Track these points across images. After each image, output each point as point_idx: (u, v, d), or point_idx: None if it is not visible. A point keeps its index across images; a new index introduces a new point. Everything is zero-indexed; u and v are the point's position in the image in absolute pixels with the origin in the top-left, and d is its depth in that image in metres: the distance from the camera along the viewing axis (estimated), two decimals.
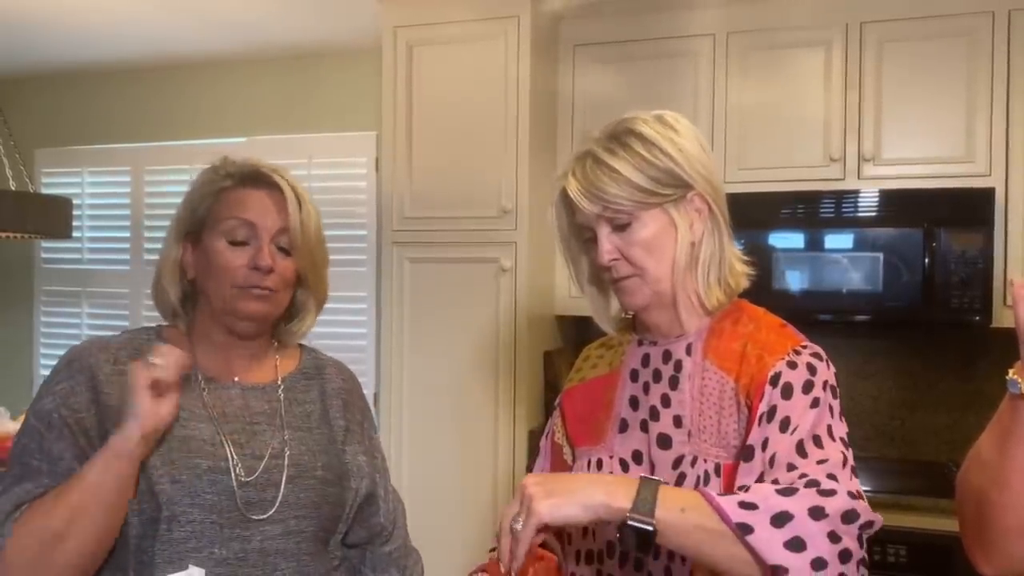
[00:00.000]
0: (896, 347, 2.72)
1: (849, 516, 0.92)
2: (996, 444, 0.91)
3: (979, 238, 2.35)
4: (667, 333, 1.15)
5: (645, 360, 1.17)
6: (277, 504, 1.21)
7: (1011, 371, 0.87)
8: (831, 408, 1.04)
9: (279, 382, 1.30)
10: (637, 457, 1.11)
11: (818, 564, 0.89)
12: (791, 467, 0.96)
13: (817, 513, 0.90)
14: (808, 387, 1.03)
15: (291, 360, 1.34)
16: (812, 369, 1.05)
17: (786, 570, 0.89)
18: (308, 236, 1.25)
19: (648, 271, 1.09)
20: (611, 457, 1.13)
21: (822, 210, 2.50)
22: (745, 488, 0.95)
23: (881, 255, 2.44)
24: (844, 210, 2.49)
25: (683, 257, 1.09)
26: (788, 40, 2.58)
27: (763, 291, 2.49)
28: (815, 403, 1.01)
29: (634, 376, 1.17)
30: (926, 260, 2.39)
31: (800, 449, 0.98)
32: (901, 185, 2.45)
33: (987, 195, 2.36)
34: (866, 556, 0.96)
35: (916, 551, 2.19)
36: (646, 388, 1.15)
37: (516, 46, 2.58)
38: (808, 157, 2.56)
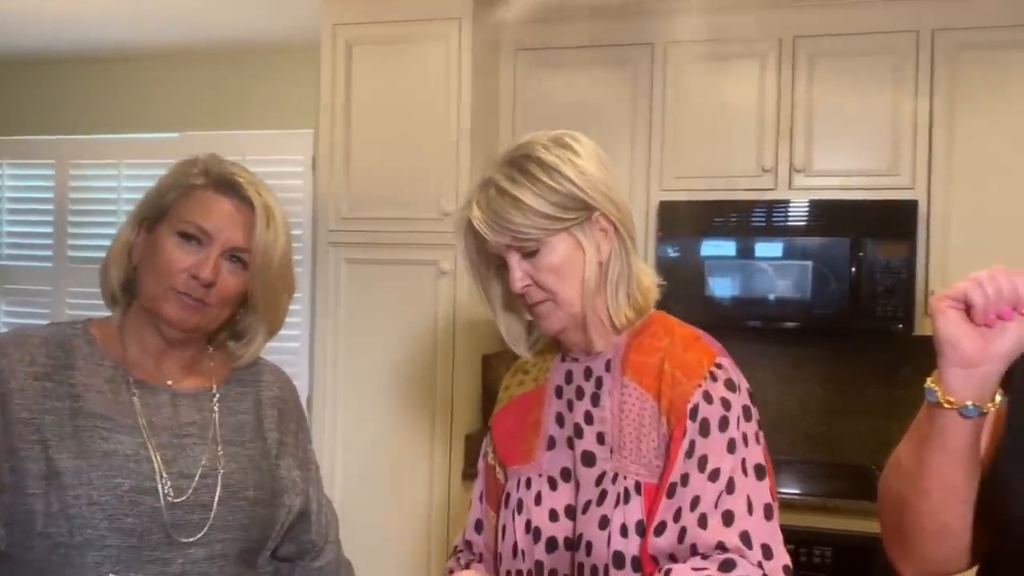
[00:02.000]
0: (823, 354, 2.79)
1: None
2: (914, 451, 0.93)
3: (903, 249, 2.44)
4: (586, 351, 1.16)
5: (568, 377, 1.17)
6: (207, 527, 1.14)
7: (929, 380, 0.90)
8: (746, 439, 1.05)
9: (213, 390, 1.24)
10: (565, 475, 1.12)
11: None
12: (704, 520, 0.99)
13: None
14: (724, 424, 1.04)
15: (226, 364, 1.27)
16: (727, 404, 1.05)
17: None
18: (269, 259, 1.18)
19: (559, 295, 1.09)
20: (540, 475, 1.13)
21: (754, 219, 2.56)
22: (665, 573, 0.97)
23: (810, 264, 2.51)
24: (775, 219, 2.55)
25: (592, 279, 1.10)
26: (725, 52, 2.63)
27: (696, 298, 2.57)
28: (731, 446, 1.03)
29: (558, 392, 1.17)
30: (853, 269, 2.46)
31: (720, 504, 1.00)
32: (830, 196, 2.53)
33: (911, 207, 2.45)
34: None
35: (841, 552, 2.25)
36: (570, 405, 1.15)
37: (458, 48, 2.57)
38: (742, 167, 2.61)
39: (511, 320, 1.20)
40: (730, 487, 1.01)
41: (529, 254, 1.09)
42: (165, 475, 1.13)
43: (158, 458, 1.14)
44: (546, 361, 1.22)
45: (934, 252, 2.46)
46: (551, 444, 1.14)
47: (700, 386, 1.05)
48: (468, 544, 1.26)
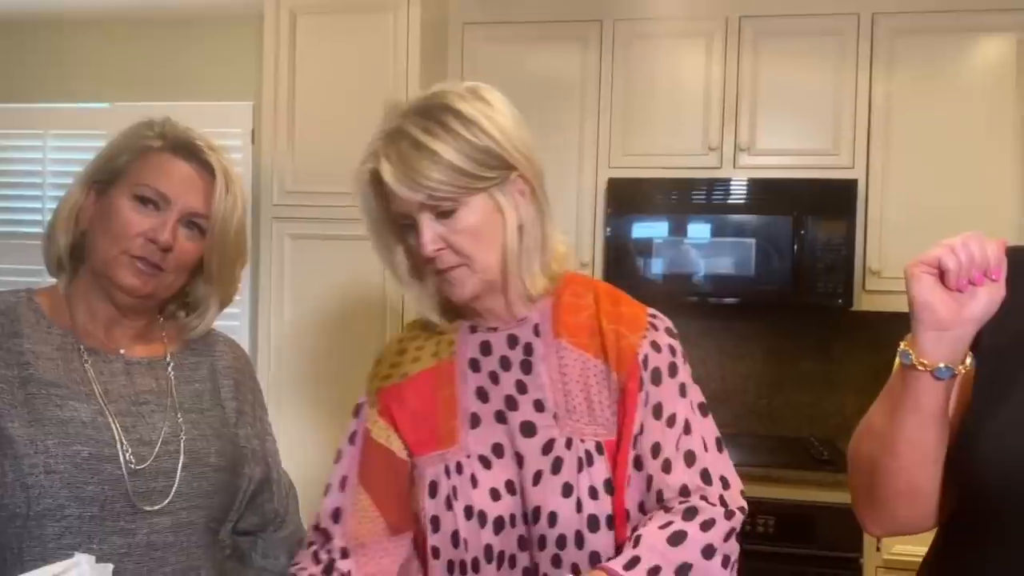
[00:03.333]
0: (765, 329, 2.86)
1: (728, 534, 0.98)
2: (887, 414, 0.96)
3: (842, 227, 2.51)
4: (504, 318, 1.10)
5: (486, 348, 1.10)
6: (172, 495, 1.12)
7: (903, 343, 0.93)
8: (693, 391, 1.08)
9: (167, 357, 1.21)
10: (498, 451, 1.07)
11: None
12: (668, 465, 1.00)
13: (709, 552, 0.95)
14: (673, 370, 1.05)
15: (178, 335, 1.25)
16: (673, 350, 1.07)
17: None
18: (227, 227, 1.15)
19: (476, 260, 1.03)
20: (468, 457, 1.07)
21: (700, 197, 2.60)
22: (636, 540, 0.96)
23: (753, 241, 2.56)
24: (720, 197, 2.59)
25: (512, 243, 1.04)
26: (671, 30, 2.65)
27: (642, 274, 2.60)
28: (682, 390, 1.05)
29: (475, 366, 1.10)
30: (795, 247, 2.52)
31: (681, 446, 1.01)
32: (773, 175, 2.58)
33: (851, 186, 2.52)
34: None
35: (783, 521, 2.32)
36: (494, 378, 1.09)
37: (406, 21, 2.52)
38: (689, 146, 2.65)
39: (421, 287, 1.12)
40: (687, 429, 1.02)
41: (443, 215, 1.01)
42: (125, 442, 1.10)
43: (117, 425, 1.11)
44: (445, 334, 1.14)
45: (871, 230, 2.54)
46: (475, 422, 1.08)
47: (645, 336, 1.05)
48: (325, 534, 1.14)
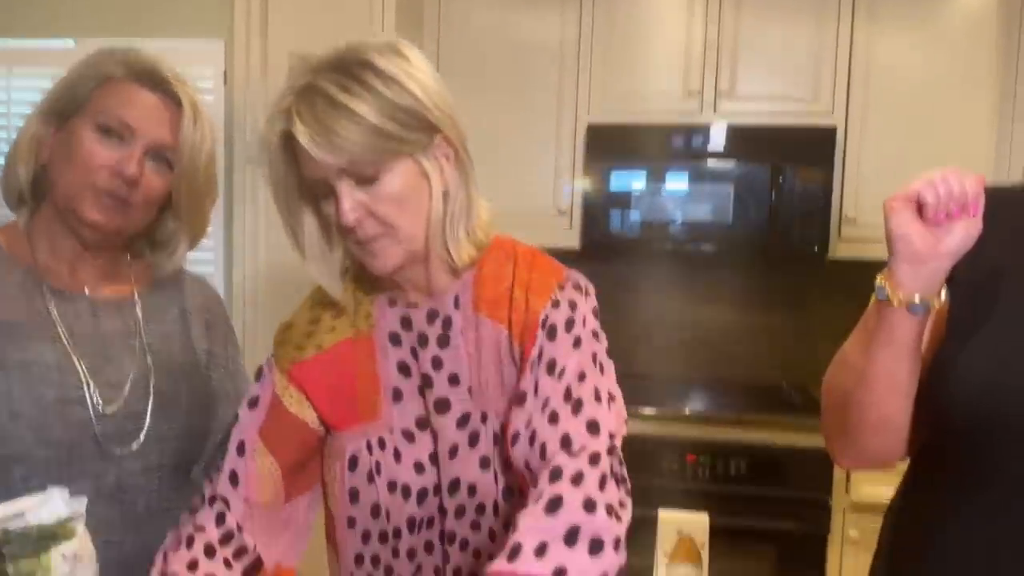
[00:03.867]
0: (740, 277, 2.87)
1: (602, 482, 0.92)
2: (861, 347, 0.97)
3: (820, 175, 2.51)
4: (424, 291, 1.04)
5: (406, 323, 1.05)
6: (142, 438, 1.11)
7: (879, 277, 0.93)
8: (596, 336, 1.02)
9: (135, 298, 1.18)
10: (422, 424, 1.03)
11: (616, 544, 0.90)
12: (555, 416, 0.96)
13: (590, 506, 0.90)
14: (570, 325, 1.00)
15: (147, 274, 1.21)
16: (573, 305, 1.01)
17: (606, 573, 0.88)
18: (195, 160, 1.11)
19: (400, 229, 0.96)
20: (392, 432, 1.03)
21: (679, 144, 2.58)
22: (515, 526, 0.90)
23: (731, 189, 2.56)
24: (699, 144, 2.58)
25: (438, 211, 0.98)
26: None
27: (620, 222, 2.59)
28: (577, 342, 0.99)
29: (395, 340, 1.05)
30: (772, 194, 2.53)
31: (568, 396, 0.97)
32: (752, 121, 2.57)
33: (829, 134, 2.52)
34: (627, 477, 0.98)
35: (754, 464, 2.36)
36: (415, 353, 1.04)
37: None
38: (668, 91, 2.62)
39: (326, 260, 1.04)
40: (580, 378, 0.97)
41: (364, 181, 0.93)
42: (92, 384, 1.08)
43: (83, 367, 1.08)
44: (361, 304, 1.07)
45: (849, 178, 2.55)
46: (397, 396, 1.04)
47: (550, 299, 1.00)
48: (224, 501, 1.06)
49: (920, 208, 0.90)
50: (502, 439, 1.01)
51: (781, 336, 2.84)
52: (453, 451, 1.02)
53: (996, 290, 0.93)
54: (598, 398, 0.98)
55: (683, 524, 2.40)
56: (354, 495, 1.05)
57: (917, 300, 0.91)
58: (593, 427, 0.96)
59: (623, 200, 2.61)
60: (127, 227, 1.11)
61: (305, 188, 0.99)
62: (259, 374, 1.10)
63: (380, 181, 0.94)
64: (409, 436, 1.04)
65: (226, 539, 1.04)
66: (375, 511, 1.04)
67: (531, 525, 0.89)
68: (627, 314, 2.89)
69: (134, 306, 1.17)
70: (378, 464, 1.03)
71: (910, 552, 1.00)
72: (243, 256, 2.58)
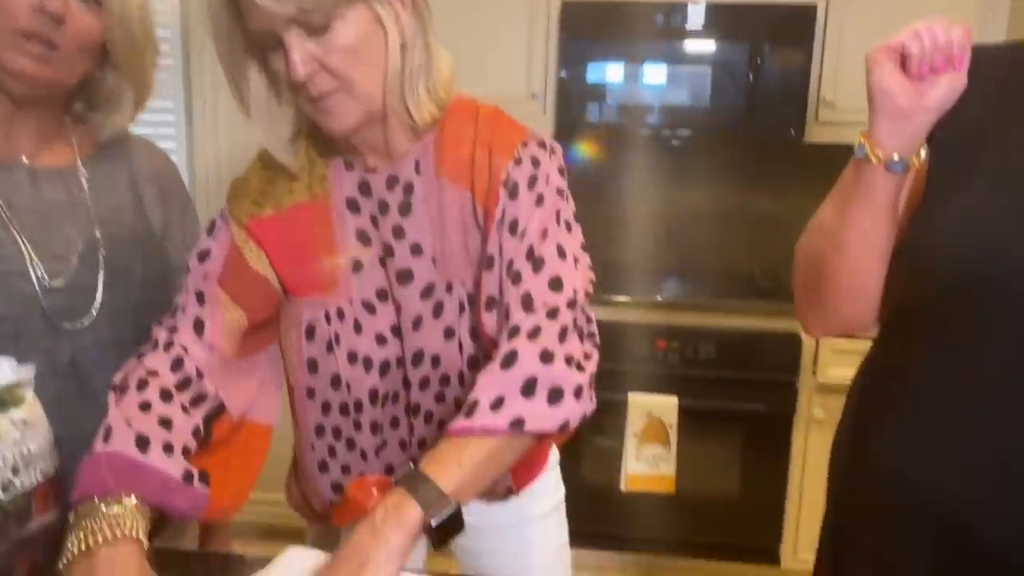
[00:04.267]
0: (716, 164, 2.83)
1: (562, 333, 0.91)
2: (837, 209, 0.95)
3: (799, 56, 2.44)
4: (383, 154, 0.99)
5: (364, 189, 1.00)
6: (94, 312, 1.07)
7: (859, 136, 0.90)
8: (561, 193, 0.99)
9: (78, 166, 1.11)
10: (383, 295, 1.00)
11: (577, 392, 0.89)
12: (518, 276, 0.94)
13: (547, 357, 0.88)
14: (532, 182, 0.96)
15: (90, 139, 1.14)
16: (536, 162, 0.97)
17: (567, 421, 0.88)
18: (126, 1, 1.02)
19: (356, 84, 0.90)
20: (351, 303, 1.00)
21: (657, 22, 2.49)
22: (473, 385, 0.89)
23: (709, 70, 2.49)
24: (678, 22, 2.49)
25: (395, 64, 0.91)
26: None
27: (596, 105, 2.52)
28: (540, 200, 0.96)
29: (354, 206, 1.00)
30: (750, 76, 2.46)
31: (531, 255, 0.94)
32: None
33: (809, 12, 2.43)
34: (594, 332, 0.97)
35: (723, 348, 2.39)
36: (375, 222, 1.00)
37: None
38: None
39: (274, 119, 0.98)
40: (543, 235, 0.95)
41: (315, 31, 0.87)
42: (35, 258, 1.03)
43: (24, 240, 1.03)
44: (316, 166, 1.02)
45: (828, 59, 2.48)
46: (357, 266, 1.00)
47: (512, 157, 0.96)
48: (183, 348, 1.00)
49: (904, 61, 0.87)
50: (470, 308, 0.99)
51: (756, 223, 2.83)
52: (417, 322, 1.00)
53: (976, 149, 0.90)
54: (562, 255, 0.95)
55: (653, 407, 2.46)
56: (312, 365, 1.03)
57: (896, 158, 0.89)
58: (555, 284, 0.94)
59: (599, 84, 2.53)
60: (59, 78, 1.03)
61: (251, 43, 0.92)
62: (212, 227, 1.05)
63: (332, 30, 0.87)
64: (370, 308, 1.01)
65: (183, 385, 0.98)
66: (335, 382, 1.02)
67: (487, 381, 0.88)
68: (601, 202, 2.85)
69: (78, 174, 1.11)
70: (337, 335, 1.01)
71: (877, 412, 1.01)
72: (204, 141, 2.49)
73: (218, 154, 2.49)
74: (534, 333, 0.90)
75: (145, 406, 0.94)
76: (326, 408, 1.04)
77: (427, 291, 0.99)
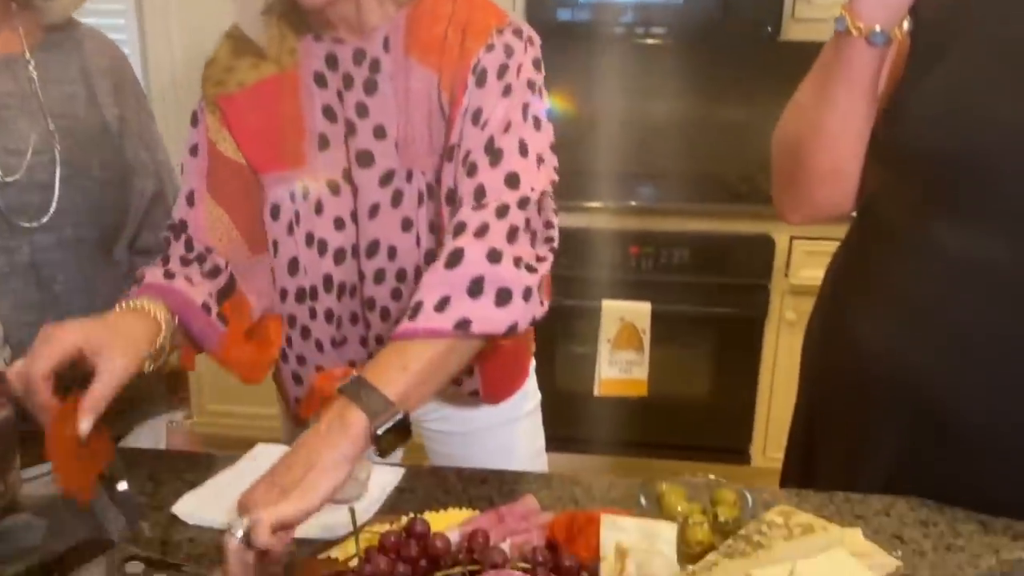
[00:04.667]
0: (690, 64, 2.76)
1: (511, 234, 0.88)
2: (816, 86, 0.93)
3: None
4: (354, 28, 0.96)
5: (331, 61, 0.97)
6: (52, 211, 1.04)
7: (840, 8, 0.87)
8: (532, 86, 0.95)
9: (26, 55, 1.06)
10: (348, 177, 0.97)
11: (526, 294, 0.86)
12: (472, 168, 0.90)
13: (495, 256, 0.85)
14: (502, 71, 0.93)
15: (37, 26, 1.09)
16: (509, 51, 0.94)
17: (515, 323, 0.85)
18: None
19: None
20: (316, 181, 0.98)
21: None
22: (418, 288, 0.86)
23: None
24: None
25: None
26: None
27: (568, 5, 2.43)
28: (507, 90, 0.93)
29: (320, 80, 0.98)
30: None
31: (490, 147, 0.91)
32: None
33: None
34: (552, 237, 0.93)
35: (696, 252, 2.38)
36: (340, 97, 0.97)
37: None
38: None
39: None
40: (505, 128, 0.91)
41: None
42: None
43: None
44: (286, 39, 0.99)
45: None
46: (323, 143, 0.98)
47: (486, 42, 0.93)
48: (184, 229, 1.02)
49: None
50: (430, 199, 0.96)
51: (730, 126, 2.79)
52: (374, 210, 0.97)
53: (960, 19, 0.88)
54: (523, 151, 0.91)
55: (626, 312, 2.46)
56: (275, 247, 1.01)
57: (878, 29, 0.86)
58: (512, 180, 0.90)
59: None
60: None
61: None
62: (194, 119, 1.04)
63: None
64: (334, 188, 0.99)
65: (199, 259, 0.99)
66: (292, 267, 1.01)
67: (432, 280, 0.85)
68: (573, 104, 2.78)
69: (27, 63, 1.06)
70: (298, 215, 0.99)
71: (851, 294, 1.01)
72: (157, 43, 2.38)
73: (172, 53, 2.39)
74: (481, 231, 0.87)
75: (169, 275, 0.97)
76: (284, 295, 1.03)
77: (387, 177, 0.96)
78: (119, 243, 1.20)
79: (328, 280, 1.00)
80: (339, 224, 0.98)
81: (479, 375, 1.07)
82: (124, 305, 0.89)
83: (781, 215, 1.04)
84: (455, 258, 0.85)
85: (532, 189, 0.90)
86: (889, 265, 0.95)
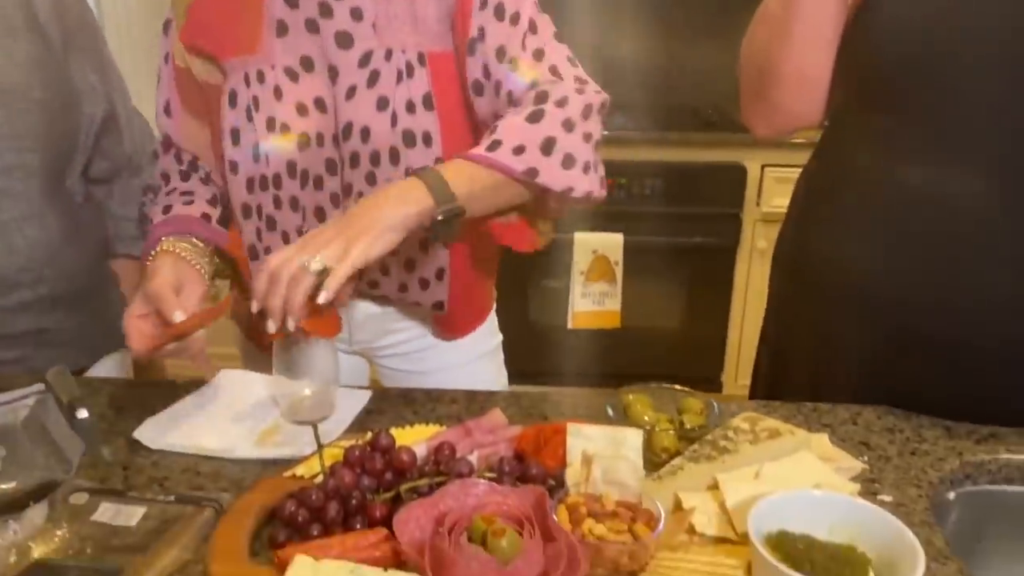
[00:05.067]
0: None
1: (587, 111, 0.95)
2: None
3: None
4: None
5: None
6: None
7: None
8: None
9: None
10: (307, 64, 0.96)
11: (586, 167, 0.94)
12: (515, 65, 0.95)
13: (568, 126, 0.93)
14: None
15: None
16: None
17: (572, 187, 0.93)
18: None
19: None
20: (273, 67, 0.96)
21: None
22: (494, 129, 0.92)
23: None
24: None
25: None
26: None
27: None
28: None
29: None
30: None
31: (524, 42, 0.96)
32: None
33: None
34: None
35: (669, 183, 2.36)
36: None
37: None
38: None
39: None
40: (532, 28, 0.97)
41: None
42: None
43: None
44: None
45: None
46: (282, 29, 0.96)
47: None
48: (178, 157, 1.07)
49: None
50: (409, 77, 0.95)
51: (702, 56, 2.75)
52: (351, 92, 0.95)
53: None
54: (553, 46, 0.98)
55: (598, 244, 2.45)
56: (235, 135, 0.98)
57: None
58: (556, 71, 0.97)
59: None
60: None
61: None
62: (166, 26, 1.03)
63: None
64: (292, 74, 0.96)
65: (192, 167, 1.06)
66: (255, 152, 0.98)
67: (512, 128, 0.91)
68: None
69: None
70: (256, 99, 0.97)
71: (821, 199, 1.00)
72: None
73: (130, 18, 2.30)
74: (562, 102, 0.93)
75: (171, 191, 1.05)
76: (250, 185, 1.00)
77: (365, 58, 0.95)
78: (71, 171, 1.16)
79: (291, 167, 0.98)
80: (301, 109, 0.96)
81: (448, 282, 1.05)
82: (149, 259, 0.96)
83: (751, 127, 1.02)
84: (536, 117, 0.92)
85: (579, 80, 0.97)
86: (857, 168, 0.94)
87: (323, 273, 0.77)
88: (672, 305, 2.50)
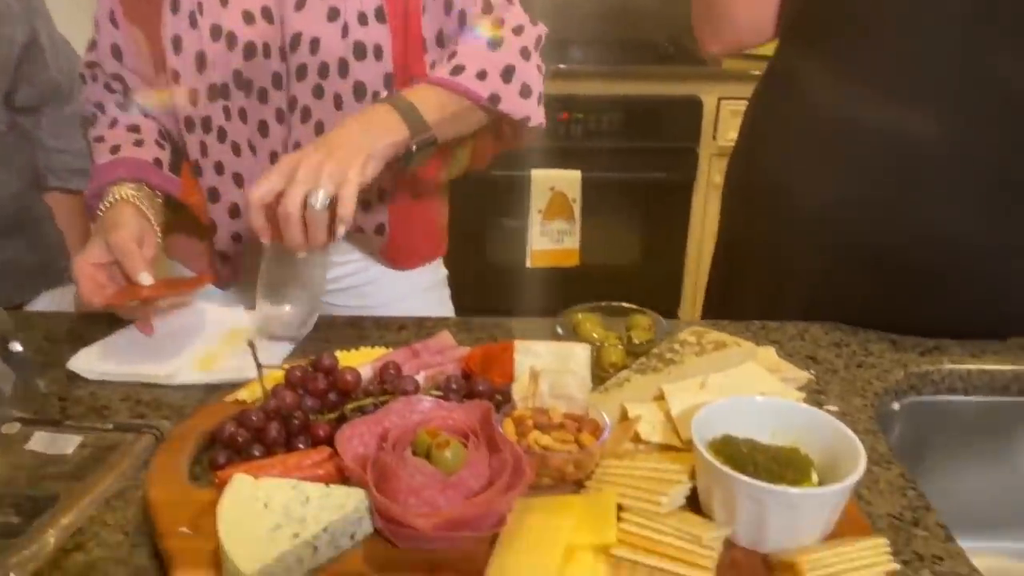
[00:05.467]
0: None
1: (537, 43, 0.99)
2: None
3: None
4: None
5: None
6: None
7: None
8: None
9: None
10: (267, 15, 0.92)
11: (540, 98, 0.97)
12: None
13: (526, 54, 0.96)
14: None
15: None
16: None
17: (529, 116, 0.96)
18: None
19: None
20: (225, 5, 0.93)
21: None
22: (453, 54, 0.93)
23: None
24: None
25: None
26: None
27: None
28: None
29: None
30: None
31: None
32: None
33: None
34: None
35: (627, 118, 2.34)
36: None
37: None
38: None
39: None
40: None
41: None
42: None
43: None
44: None
45: None
46: None
47: None
48: (121, 79, 1.02)
49: None
50: None
51: None
52: (300, 3, 0.92)
53: None
54: None
55: (556, 181, 2.42)
56: (177, 43, 0.94)
57: None
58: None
59: None
60: None
61: None
62: None
63: None
64: (248, 17, 0.92)
65: (126, 98, 1.02)
66: (200, 60, 0.94)
67: (471, 52, 0.93)
68: None
69: None
70: (200, 5, 0.92)
71: (769, 119, 0.99)
72: None
73: None
74: (518, 30, 0.96)
75: (112, 123, 1.01)
76: (194, 96, 0.96)
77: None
78: None
79: (238, 76, 0.94)
80: (248, 17, 0.92)
81: (388, 204, 1.03)
82: (105, 205, 0.93)
83: (702, 43, 1.01)
84: (496, 43, 0.94)
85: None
86: (805, 87, 0.93)
87: (329, 205, 0.81)
88: (630, 241, 2.50)
